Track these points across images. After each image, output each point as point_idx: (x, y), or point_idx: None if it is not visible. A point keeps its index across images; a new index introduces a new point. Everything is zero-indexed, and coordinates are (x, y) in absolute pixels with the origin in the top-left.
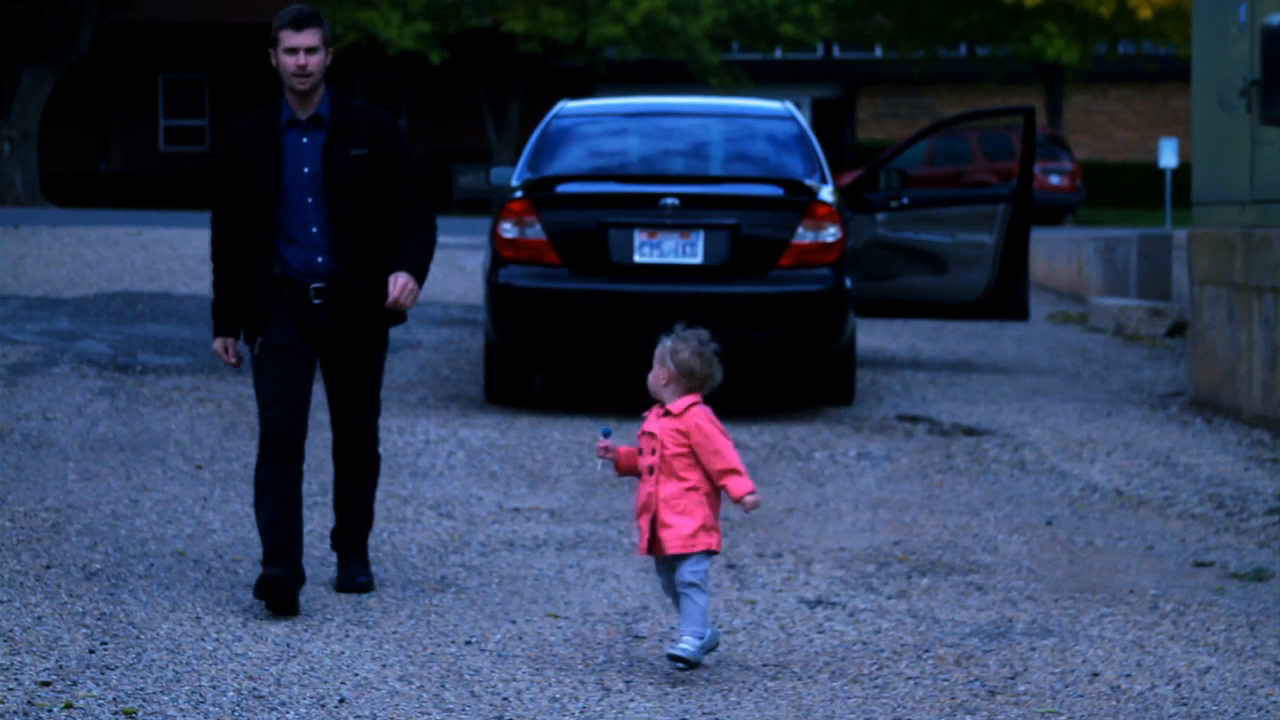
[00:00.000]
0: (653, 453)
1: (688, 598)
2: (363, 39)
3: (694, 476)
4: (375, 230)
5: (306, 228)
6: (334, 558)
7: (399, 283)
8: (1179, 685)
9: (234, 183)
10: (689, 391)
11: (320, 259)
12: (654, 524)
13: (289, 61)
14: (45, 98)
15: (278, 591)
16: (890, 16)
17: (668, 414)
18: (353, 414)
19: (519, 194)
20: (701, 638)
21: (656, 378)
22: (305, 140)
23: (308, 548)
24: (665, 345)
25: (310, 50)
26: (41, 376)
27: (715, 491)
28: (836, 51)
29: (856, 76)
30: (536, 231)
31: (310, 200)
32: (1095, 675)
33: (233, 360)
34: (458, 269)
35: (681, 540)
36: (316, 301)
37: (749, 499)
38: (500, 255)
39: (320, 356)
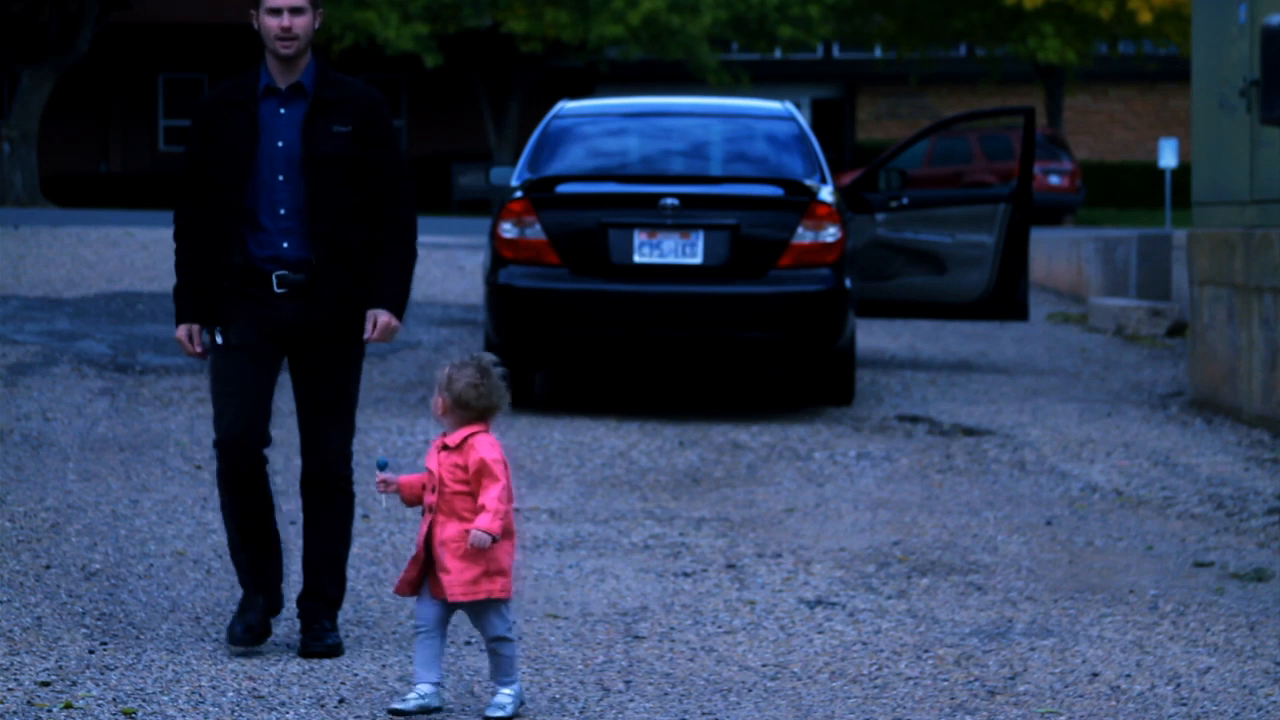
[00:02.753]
0: (432, 490)
1: (498, 653)
2: (361, 39)
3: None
4: (351, 217)
5: (274, 209)
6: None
7: (380, 322)
8: (1179, 685)
9: (203, 155)
10: (468, 422)
11: (286, 244)
12: (430, 566)
13: (271, 23)
14: (45, 98)
15: (246, 643)
16: (890, 17)
17: (446, 448)
18: (321, 434)
19: (519, 194)
20: (515, 691)
21: (435, 405)
22: (283, 111)
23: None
24: (444, 372)
25: (296, 10)
26: (41, 377)
27: (505, 532)
28: (836, 52)
29: (856, 77)
30: (536, 232)
31: (282, 178)
32: (1095, 675)
33: (197, 350)
34: (458, 269)
35: (463, 587)
36: (280, 291)
37: (475, 534)
38: (500, 255)
39: (289, 363)
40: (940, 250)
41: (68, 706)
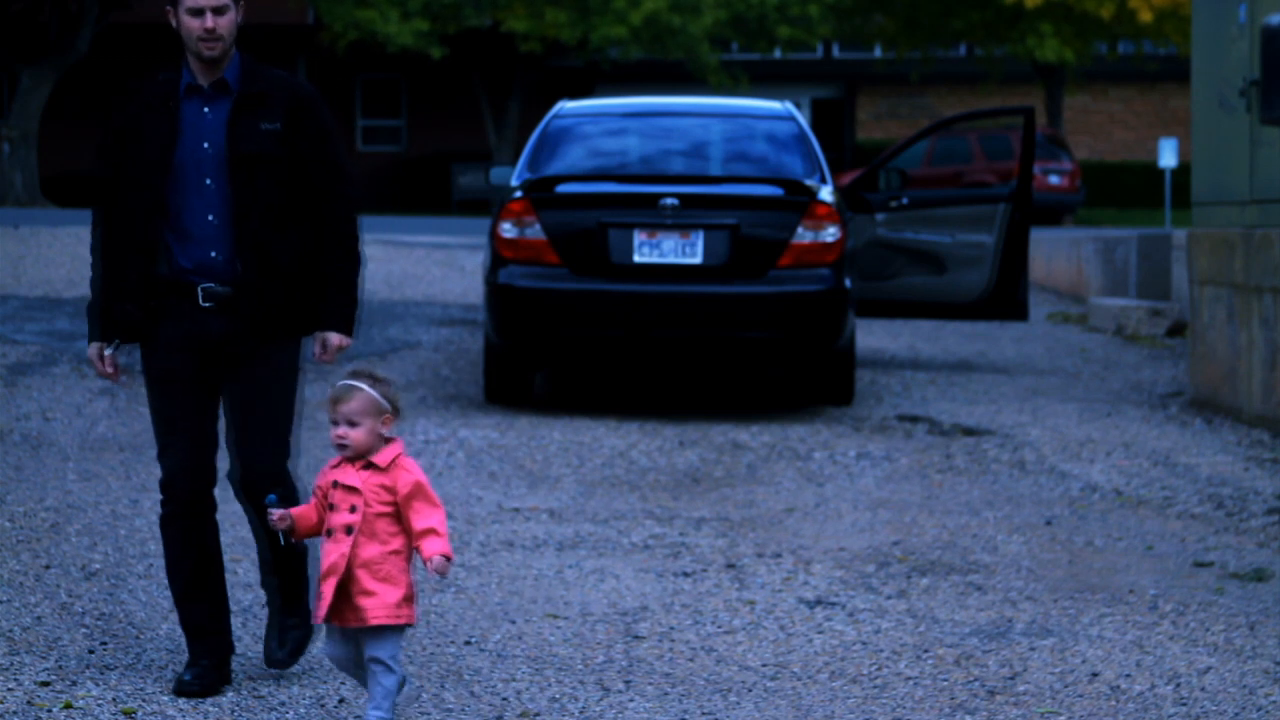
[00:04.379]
0: (352, 510)
1: (375, 680)
2: (364, 36)
3: (398, 541)
4: (283, 222)
5: (201, 215)
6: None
7: (331, 345)
8: (1179, 685)
9: (119, 158)
10: (387, 439)
11: (214, 253)
12: (346, 589)
13: (193, 24)
14: (45, 98)
15: (194, 694)
16: (890, 17)
17: (371, 466)
18: (252, 453)
19: (519, 194)
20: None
21: (359, 436)
22: (207, 111)
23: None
24: (366, 394)
25: (219, 10)
26: (41, 376)
27: (411, 556)
28: (836, 51)
29: (856, 76)
30: (536, 231)
31: (209, 182)
32: (1095, 675)
33: (109, 370)
34: (458, 269)
35: (387, 610)
36: (206, 305)
37: (438, 560)
38: (500, 255)
39: (221, 380)
40: (940, 250)
41: (68, 706)
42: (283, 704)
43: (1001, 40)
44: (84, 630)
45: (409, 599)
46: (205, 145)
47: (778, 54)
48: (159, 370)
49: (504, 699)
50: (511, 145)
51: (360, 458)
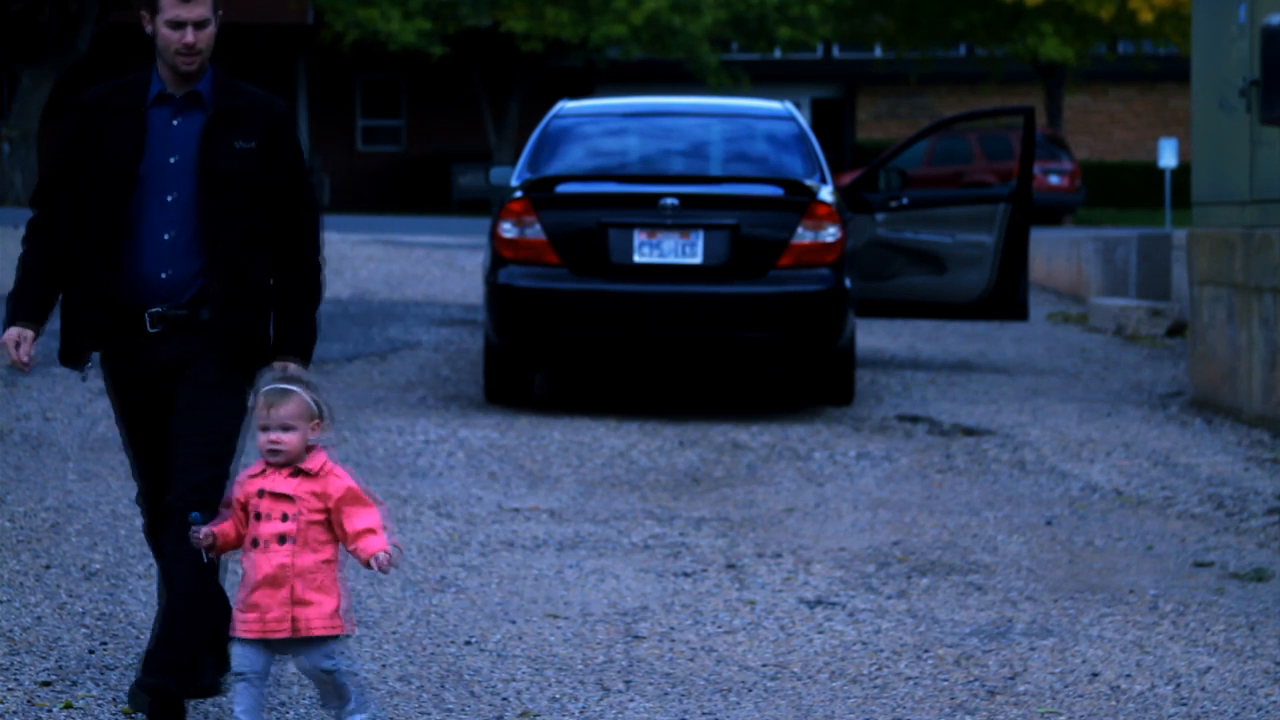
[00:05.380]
0: (285, 518)
1: (339, 684)
2: (365, 35)
3: (329, 550)
4: (252, 244)
5: (157, 232)
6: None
7: (291, 374)
8: (1179, 685)
9: (76, 162)
10: (310, 448)
11: (164, 274)
12: (277, 599)
13: (172, 36)
14: (45, 98)
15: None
16: (890, 17)
17: (301, 473)
18: (190, 477)
19: (519, 194)
20: (369, 712)
21: (293, 441)
22: (176, 123)
23: None
24: (300, 400)
25: (200, 24)
26: (41, 376)
27: (340, 565)
28: (836, 52)
29: (856, 77)
30: (536, 231)
31: (171, 198)
32: (1095, 675)
33: (24, 360)
34: (458, 269)
35: (325, 620)
36: (154, 330)
37: (382, 556)
38: (500, 255)
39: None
40: (940, 250)
41: (68, 706)
42: (283, 704)
43: (1001, 40)
44: (84, 630)
45: (346, 609)
46: (172, 159)
47: (778, 54)
48: (119, 403)
49: (504, 699)
50: (511, 145)
51: (290, 464)
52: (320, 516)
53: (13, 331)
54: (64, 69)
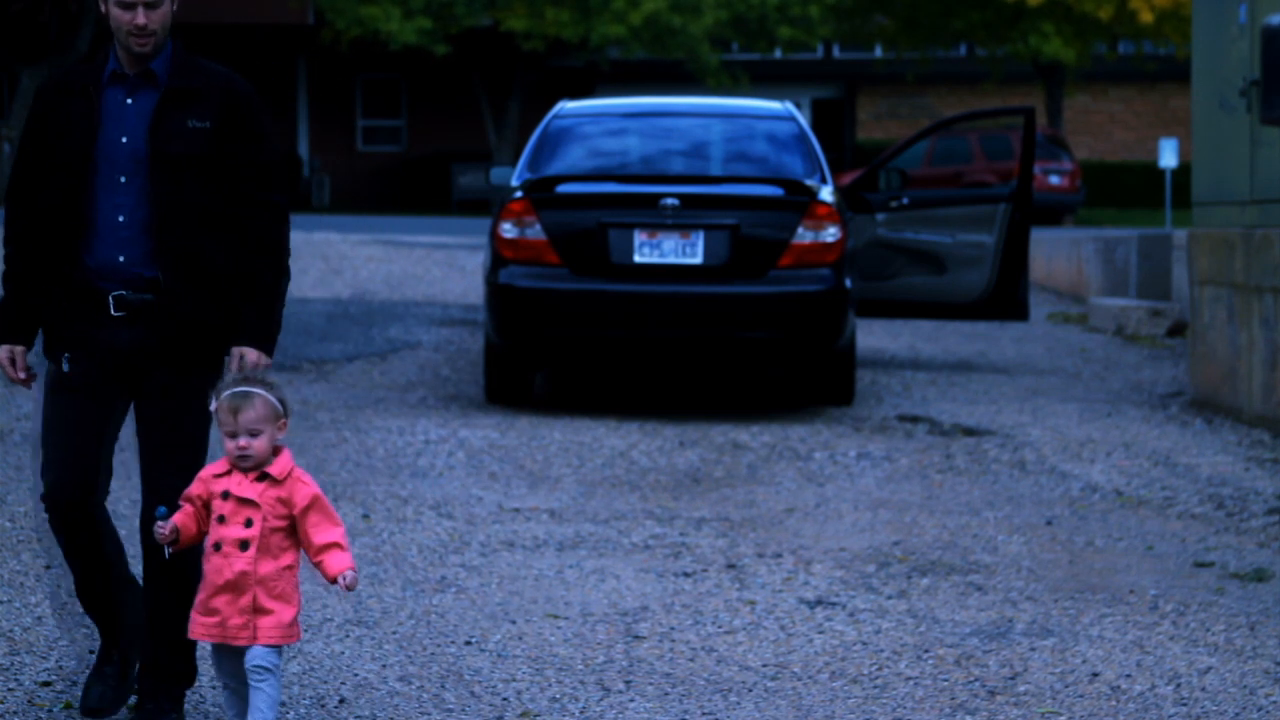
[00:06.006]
0: (247, 524)
1: (259, 688)
2: (366, 34)
3: (290, 556)
4: (207, 228)
5: (110, 215)
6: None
7: (249, 360)
8: (1179, 685)
9: (35, 149)
10: (276, 450)
11: (123, 258)
12: (234, 605)
13: (123, 17)
14: None
15: (96, 714)
16: (890, 17)
17: (267, 478)
18: (160, 483)
19: (519, 194)
20: None
21: (260, 446)
22: (129, 102)
23: None
24: (263, 402)
25: (151, 4)
26: (41, 376)
27: (298, 571)
28: (836, 52)
29: (856, 77)
30: (536, 231)
31: (123, 179)
32: (1095, 675)
33: (20, 375)
34: (458, 269)
35: (281, 630)
36: (117, 314)
37: (349, 575)
38: (500, 255)
39: (132, 398)
40: (940, 250)
41: (68, 707)
42: (283, 704)
43: (1002, 40)
44: (84, 630)
45: (297, 619)
46: (123, 139)
47: (778, 54)
48: (57, 376)
49: (504, 699)
50: (511, 145)
51: (259, 468)
52: (283, 523)
53: (3, 351)
54: (64, 69)
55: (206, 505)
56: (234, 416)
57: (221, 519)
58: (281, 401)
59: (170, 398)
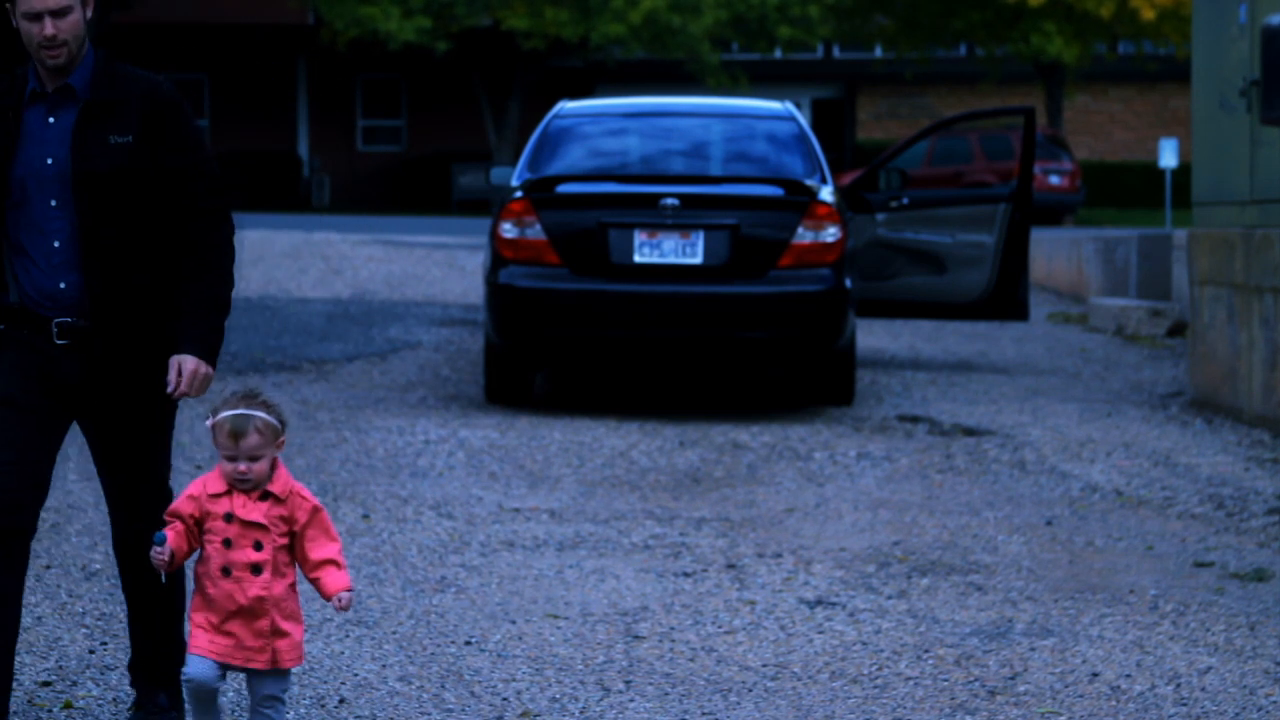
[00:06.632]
0: (257, 547)
1: (269, 716)
2: (365, 34)
3: (294, 572)
4: (141, 248)
5: (47, 241)
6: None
7: (186, 370)
8: (1179, 685)
9: None
10: (274, 465)
11: (64, 284)
12: (246, 629)
13: (31, 29)
14: None
15: None
16: (890, 17)
17: (269, 496)
18: (126, 504)
19: (519, 194)
20: None
21: (259, 469)
22: (52, 120)
23: None
24: (259, 419)
25: (59, 12)
26: None
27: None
28: (836, 52)
29: (856, 76)
30: (536, 231)
31: (54, 203)
32: (1095, 675)
33: None
34: (458, 269)
35: (297, 651)
36: (61, 343)
37: (346, 596)
38: (500, 255)
39: (78, 420)
40: (940, 250)
41: (68, 706)
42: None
43: (1002, 40)
44: (84, 630)
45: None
46: (49, 160)
47: (778, 54)
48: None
49: (504, 699)
50: (511, 145)
51: (258, 488)
52: (286, 540)
53: None
54: None
55: (199, 523)
56: (234, 442)
57: (228, 543)
58: (281, 420)
59: (124, 429)
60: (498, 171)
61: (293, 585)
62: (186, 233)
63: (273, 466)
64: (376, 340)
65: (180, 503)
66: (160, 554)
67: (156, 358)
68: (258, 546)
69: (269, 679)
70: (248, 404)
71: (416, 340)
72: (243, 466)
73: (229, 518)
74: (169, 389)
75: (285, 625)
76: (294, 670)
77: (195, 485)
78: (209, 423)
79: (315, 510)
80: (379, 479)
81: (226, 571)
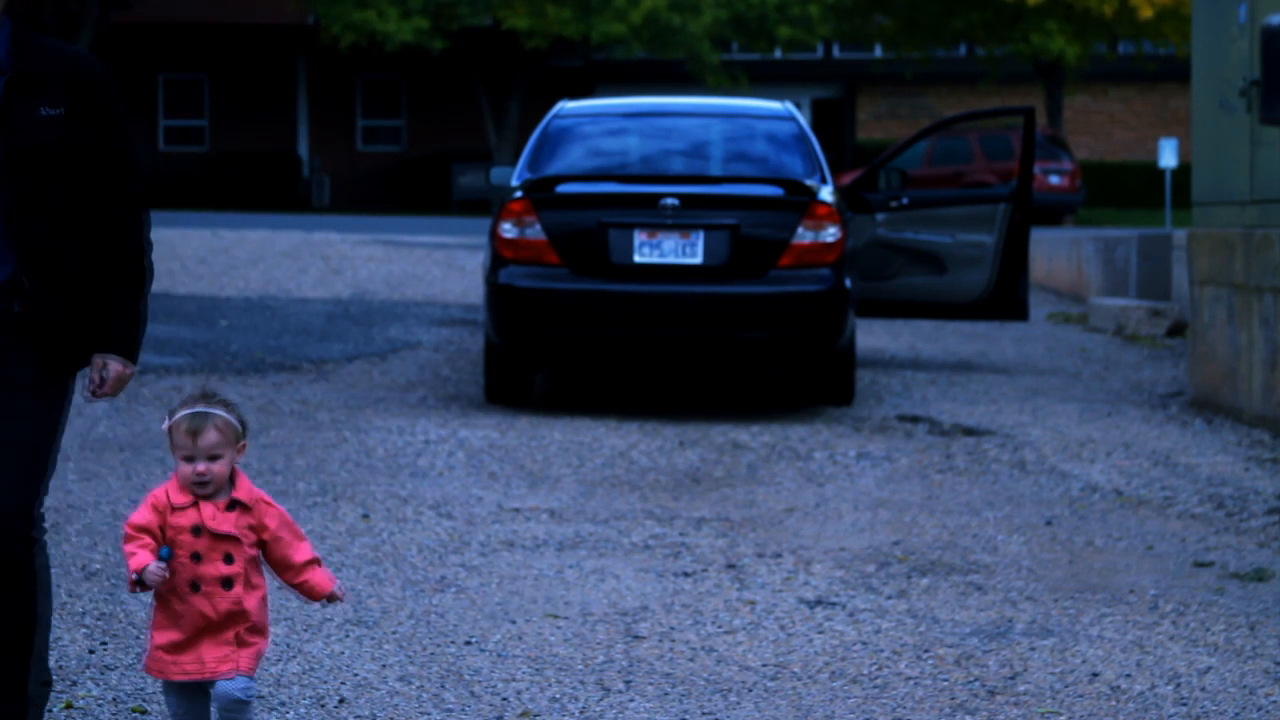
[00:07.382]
0: (229, 560)
1: (236, 716)
2: (361, 39)
3: (264, 582)
4: (69, 227)
5: None
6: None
7: (111, 374)
8: (1179, 685)
9: None
10: (235, 474)
11: None
12: (235, 642)
13: None
14: None
15: None
16: (890, 17)
17: (237, 505)
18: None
19: (519, 194)
20: None
21: (218, 471)
22: None
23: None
24: (220, 422)
25: None
26: None
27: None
28: (836, 51)
29: (856, 76)
30: (536, 231)
31: None
32: (1095, 675)
33: None
34: (458, 269)
35: (258, 660)
36: None
37: (339, 590)
38: (500, 255)
39: None
40: (940, 250)
41: (68, 706)
42: (283, 704)
43: (1002, 40)
44: (84, 630)
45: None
46: None
47: (778, 54)
48: None
49: (504, 699)
50: (511, 145)
51: (220, 494)
52: (255, 551)
53: None
54: None
55: (164, 537)
56: (192, 439)
57: (197, 556)
58: (241, 421)
59: (19, 402)
60: (497, 171)
61: (264, 599)
62: (104, 219)
63: (233, 474)
64: (376, 340)
65: (144, 515)
66: (162, 571)
67: (72, 340)
68: (228, 559)
69: (224, 684)
70: (206, 403)
71: (416, 340)
72: (201, 467)
73: (197, 530)
74: (90, 389)
75: (250, 637)
76: (293, 670)
77: (156, 495)
78: (165, 425)
79: (281, 514)
80: (379, 479)
81: (195, 586)
